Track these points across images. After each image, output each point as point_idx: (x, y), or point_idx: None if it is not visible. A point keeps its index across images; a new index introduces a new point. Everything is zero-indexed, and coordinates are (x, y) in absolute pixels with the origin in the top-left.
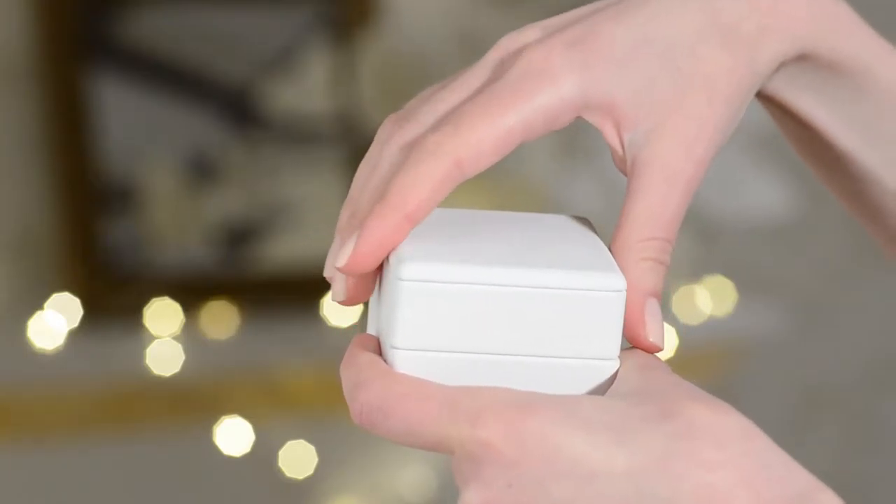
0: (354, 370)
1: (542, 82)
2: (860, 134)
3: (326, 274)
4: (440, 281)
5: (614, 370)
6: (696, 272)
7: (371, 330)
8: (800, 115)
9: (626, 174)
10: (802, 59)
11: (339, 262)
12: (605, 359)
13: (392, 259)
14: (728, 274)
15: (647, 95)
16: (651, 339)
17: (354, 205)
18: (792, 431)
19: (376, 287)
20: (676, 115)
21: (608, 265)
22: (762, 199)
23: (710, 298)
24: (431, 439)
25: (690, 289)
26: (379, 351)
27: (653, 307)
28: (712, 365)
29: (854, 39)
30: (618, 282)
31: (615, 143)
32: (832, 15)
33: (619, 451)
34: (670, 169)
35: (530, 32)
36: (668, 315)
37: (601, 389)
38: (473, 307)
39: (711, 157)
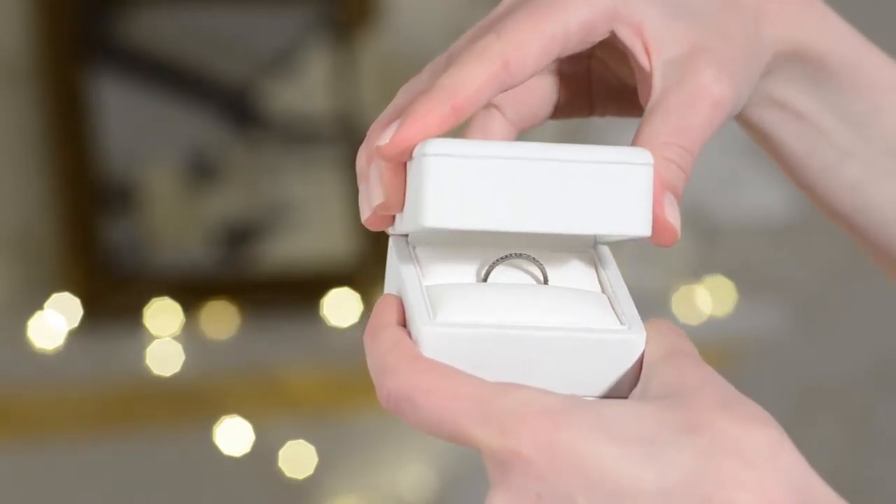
0: (380, 350)
1: None
2: (854, 132)
3: (364, 217)
4: (466, 155)
5: (641, 348)
6: (696, 272)
7: (391, 290)
8: (793, 112)
9: (643, 100)
10: (794, 56)
11: (382, 142)
12: (637, 236)
13: (415, 150)
14: (728, 274)
15: (671, 32)
16: (669, 219)
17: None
18: (792, 431)
19: (391, 246)
20: (703, 48)
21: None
22: (762, 199)
23: (710, 298)
24: (458, 438)
25: (690, 289)
26: (403, 316)
27: (671, 199)
28: (712, 365)
29: (841, 36)
30: (646, 156)
31: (644, 61)
32: (819, 11)
33: (649, 469)
34: (698, 87)
35: None
36: (668, 315)
37: (631, 373)
38: (501, 181)
39: (737, 98)
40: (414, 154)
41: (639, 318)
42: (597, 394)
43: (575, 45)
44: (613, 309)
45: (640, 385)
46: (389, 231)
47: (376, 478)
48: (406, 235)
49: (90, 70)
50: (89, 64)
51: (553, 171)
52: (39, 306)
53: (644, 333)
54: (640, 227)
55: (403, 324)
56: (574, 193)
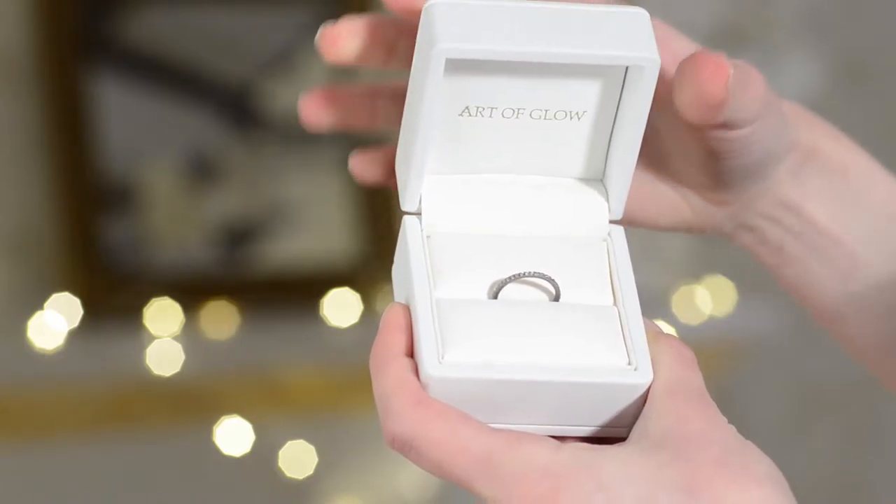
0: (385, 388)
1: None
2: (884, 252)
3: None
4: (472, 4)
5: (646, 387)
6: (696, 272)
7: (399, 300)
8: (824, 232)
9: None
10: (814, 160)
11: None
12: (640, 59)
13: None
14: (728, 274)
15: (685, 45)
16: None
17: None
18: (792, 431)
19: (397, 253)
20: None
21: None
22: None
23: (710, 298)
24: (462, 486)
25: (690, 289)
26: (410, 339)
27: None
28: (712, 365)
29: (852, 147)
30: (643, 11)
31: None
32: (830, 128)
33: None
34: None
35: None
36: (668, 315)
37: (634, 407)
38: (510, 19)
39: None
40: (422, 15)
41: (646, 349)
42: (599, 423)
43: None
44: (623, 335)
45: (640, 421)
46: (403, 208)
47: (376, 478)
48: (419, 214)
49: (90, 70)
50: (89, 64)
51: (559, 14)
52: (39, 306)
53: (650, 376)
54: (647, 51)
55: (411, 348)
56: (581, 29)
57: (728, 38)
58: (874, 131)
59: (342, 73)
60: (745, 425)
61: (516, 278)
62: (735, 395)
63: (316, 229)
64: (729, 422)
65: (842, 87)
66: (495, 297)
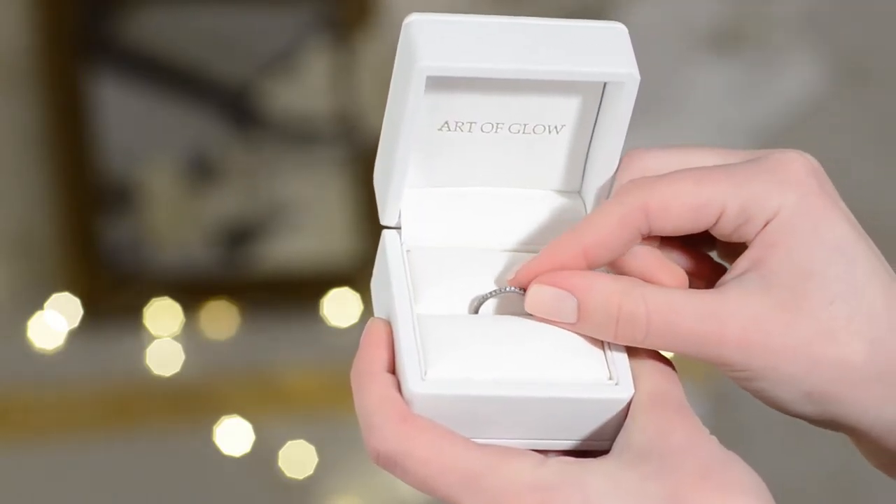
0: (366, 405)
1: None
2: None
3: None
4: (451, 21)
5: (627, 401)
6: None
7: (380, 314)
8: None
9: None
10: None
11: (508, 276)
12: (619, 75)
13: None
14: None
15: None
16: None
17: None
18: (791, 433)
19: (376, 267)
20: None
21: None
22: None
23: None
24: (447, 501)
25: None
26: (391, 355)
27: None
28: (711, 366)
29: None
30: (621, 25)
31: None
32: None
33: None
34: None
35: None
36: None
37: (615, 420)
38: (490, 36)
39: None
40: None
41: (627, 362)
42: (581, 437)
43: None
44: (603, 348)
45: (623, 433)
46: (382, 223)
47: (376, 478)
48: (399, 228)
49: (90, 70)
50: (89, 64)
51: (538, 30)
52: (39, 306)
53: (632, 390)
54: (626, 66)
55: (392, 364)
56: (560, 45)
57: (728, 38)
58: (874, 131)
59: (343, 76)
60: (744, 427)
61: (497, 293)
62: (734, 396)
63: (316, 229)
64: (728, 424)
65: (842, 87)
66: (476, 311)
